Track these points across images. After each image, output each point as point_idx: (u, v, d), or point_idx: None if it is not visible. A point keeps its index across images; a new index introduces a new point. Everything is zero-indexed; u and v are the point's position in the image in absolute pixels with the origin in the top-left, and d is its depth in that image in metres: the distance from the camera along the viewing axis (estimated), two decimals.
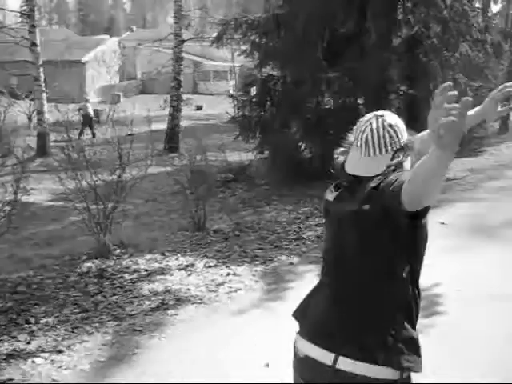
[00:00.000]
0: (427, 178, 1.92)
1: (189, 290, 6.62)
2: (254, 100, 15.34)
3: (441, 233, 8.90)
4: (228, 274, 7.12)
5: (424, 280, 6.61)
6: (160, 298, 6.41)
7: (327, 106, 15.72)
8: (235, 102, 16.34)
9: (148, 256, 8.11)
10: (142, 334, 5.46)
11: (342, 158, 2.63)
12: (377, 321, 2.40)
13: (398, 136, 2.48)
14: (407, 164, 2.45)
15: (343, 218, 2.48)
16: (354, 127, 2.63)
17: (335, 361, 2.32)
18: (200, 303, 6.22)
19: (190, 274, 7.21)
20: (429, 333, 5.27)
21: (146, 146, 10.11)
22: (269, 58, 15.50)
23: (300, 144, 15.16)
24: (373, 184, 2.33)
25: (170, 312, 6.00)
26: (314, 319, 2.54)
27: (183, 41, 23.86)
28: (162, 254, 8.20)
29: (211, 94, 48.14)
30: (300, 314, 2.65)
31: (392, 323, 2.41)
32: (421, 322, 5.43)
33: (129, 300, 6.41)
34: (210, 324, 5.69)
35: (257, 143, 15.12)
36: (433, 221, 8.85)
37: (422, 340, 5.04)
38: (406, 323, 2.45)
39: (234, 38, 16.25)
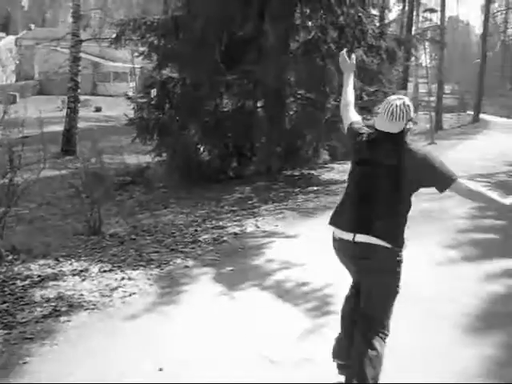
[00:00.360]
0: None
1: (82, 295, 6.49)
2: (152, 102, 15.22)
3: None
4: (123, 279, 7.04)
5: (316, 281, 6.76)
6: (52, 304, 6.26)
7: (226, 109, 15.78)
8: (134, 104, 16.10)
9: (41, 261, 7.89)
10: (32, 342, 5.32)
11: (373, 121, 4.34)
12: (383, 219, 4.00)
13: (410, 112, 4.03)
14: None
15: (372, 159, 4.11)
16: (383, 102, 4.12)
17: (354, 237, 4.03)
18: (93, 309, 6.11)
19: (83, 280, 7.08)
20: (321, 332, 5.39)
21: (39, 149, 9.90)
22: (167, 60, 15.44)
23: (198, 146, 15.16)
24: (393, 145, 4.04)
25: (62, 319, 5.86)
26: (341, 219, 4.21)
27: (81, 41, 23.53)
28: (56, 259, 8.00)
29: (111, 96, 47.53)
30: (334, 219, 4.30)
31: (392, 222, 4.04)
32: (315, 321, 5.57)
33: (20, 307, 6.24)
34: (103, 329, 5.60)
35: (154, 145, 15.01)
36: (327, 222, 9.07)
37: (318, 339, 5.16)
38: (399, 226, 4.08)
39: (133, 39, 16.09)
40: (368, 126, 4.38)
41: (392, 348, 4.13)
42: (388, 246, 3.96)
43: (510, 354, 5.14)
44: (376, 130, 4.12)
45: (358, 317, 4.25)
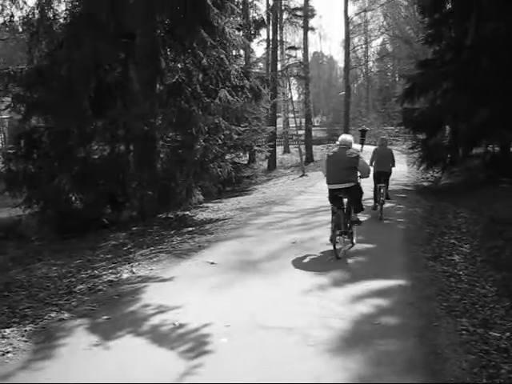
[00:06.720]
0: None
1: None
2: (19, 153, 14.90)
3: (210, 272, 9.29)
4: None
5: (192, 322, 6.86)
6: None
7: (96, 156, 15.72)
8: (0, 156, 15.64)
9: None
10: None
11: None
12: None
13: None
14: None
15: None
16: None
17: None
18: None
19: None
20: (196, 373, 5.52)
21: None
22: (34, 111, 15.16)
23: (70, 196, 14.94)
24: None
25: None
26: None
27: None
28: None
29: None
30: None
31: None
32: (190, 363, 5.66)
33: None
34: None
35: (24, 197, 14.68)
36: (202, 261, 9.25)
37: (192, 379, 5.27)
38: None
39: None
40: None
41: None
42: None
43: (374, 369, 5.51)
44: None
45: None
